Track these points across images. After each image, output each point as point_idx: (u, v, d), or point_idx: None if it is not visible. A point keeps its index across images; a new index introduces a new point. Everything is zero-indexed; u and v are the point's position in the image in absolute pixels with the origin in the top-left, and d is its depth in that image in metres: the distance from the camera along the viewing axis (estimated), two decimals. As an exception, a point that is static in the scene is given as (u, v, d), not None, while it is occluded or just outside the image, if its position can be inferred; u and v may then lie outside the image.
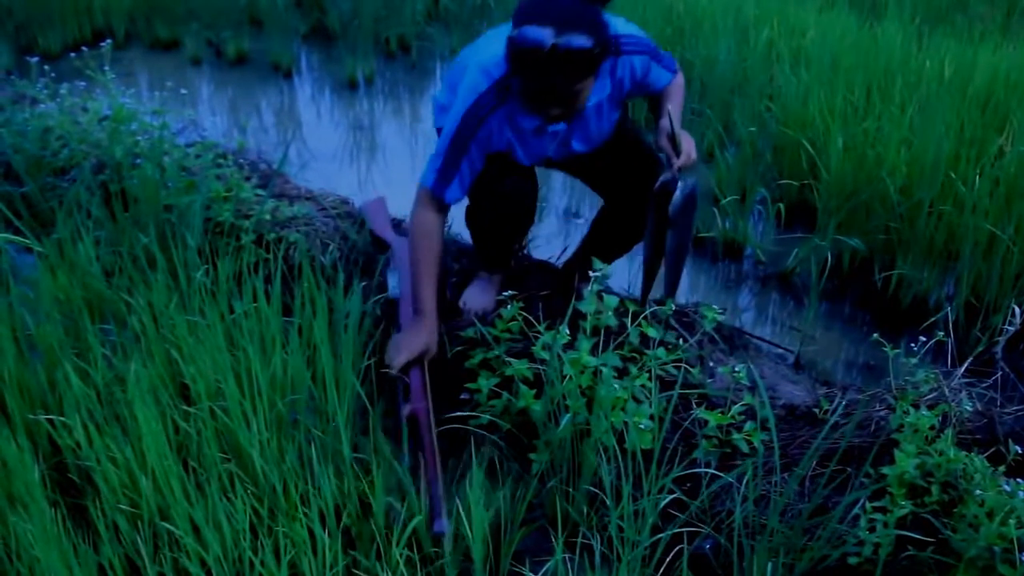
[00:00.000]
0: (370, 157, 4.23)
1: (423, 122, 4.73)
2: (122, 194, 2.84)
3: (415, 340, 2.14)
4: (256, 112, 4.79)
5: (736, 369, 2.01)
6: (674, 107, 2.21)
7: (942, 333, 2.19)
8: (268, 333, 2.12)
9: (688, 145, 2.12)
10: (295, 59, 5.39)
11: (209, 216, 2.77)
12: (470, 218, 2.36)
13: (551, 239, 3.20)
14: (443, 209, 2.20)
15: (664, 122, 2.14)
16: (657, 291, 2.29)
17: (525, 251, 2.72)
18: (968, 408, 2.01)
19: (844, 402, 2.14)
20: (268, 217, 2.86)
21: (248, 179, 3.15)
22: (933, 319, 2.74)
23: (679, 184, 2.05)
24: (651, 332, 2.08)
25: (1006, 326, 2.31)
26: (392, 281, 2.49)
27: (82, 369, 1.98)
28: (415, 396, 2.08)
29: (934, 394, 2.14)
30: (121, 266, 2.40)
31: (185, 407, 1.90)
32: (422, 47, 5.58)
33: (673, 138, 2.09)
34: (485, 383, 2.07)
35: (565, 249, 2.79)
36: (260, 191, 3.02)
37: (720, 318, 2.20)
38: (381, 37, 5.55)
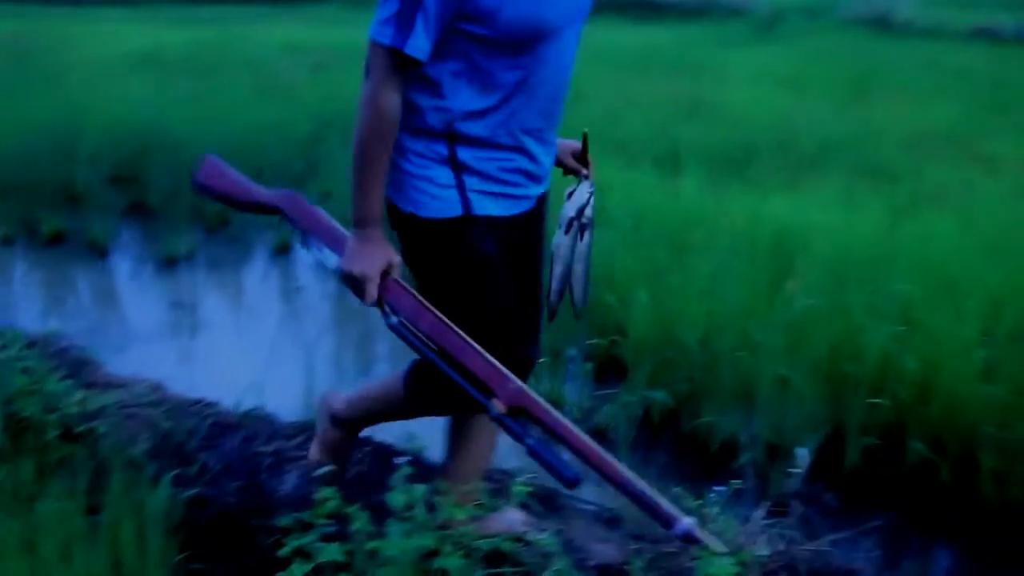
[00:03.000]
0: (190, 336, 4.18)
1: (245, 295, 4.74)
2: (-88, 397, 2.70)
3: (372, 257, 1.82)
4: (72, 294, 4.68)
5: (541, 536, 2.05)
6: None
7: (738, 481, 2.32)
8: (71, 534, 2.02)
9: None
10: (113, 237, 5.31)
11: (12, 411, 2.66)
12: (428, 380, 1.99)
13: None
14: (405, 74, 1.78)
15: (568, 143, 2.12)
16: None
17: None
18: (764, 552, 2.11)
19: (654, 556, 2.21)
20: (75, 410, 2.77)
21: (57, 368, 3.05)
22: (739, 463, 2.89)
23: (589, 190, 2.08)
24: (460, 515, 2.09)
25: (792, 469, 2.46)
26: (326, 256, 2.01)
27: None
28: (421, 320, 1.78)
29: (740, 539, 2.25)
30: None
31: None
32: (243, 220, 5.61)
33: (584, 154, 2.11)
34: (299, 569, 2.03)
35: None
36: (70, 380, 2.92)
37: (526, 491, 2.22)
38: (201, 211, 5.56)
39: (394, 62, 1.73)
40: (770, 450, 3.06)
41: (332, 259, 1.94)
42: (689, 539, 1.58)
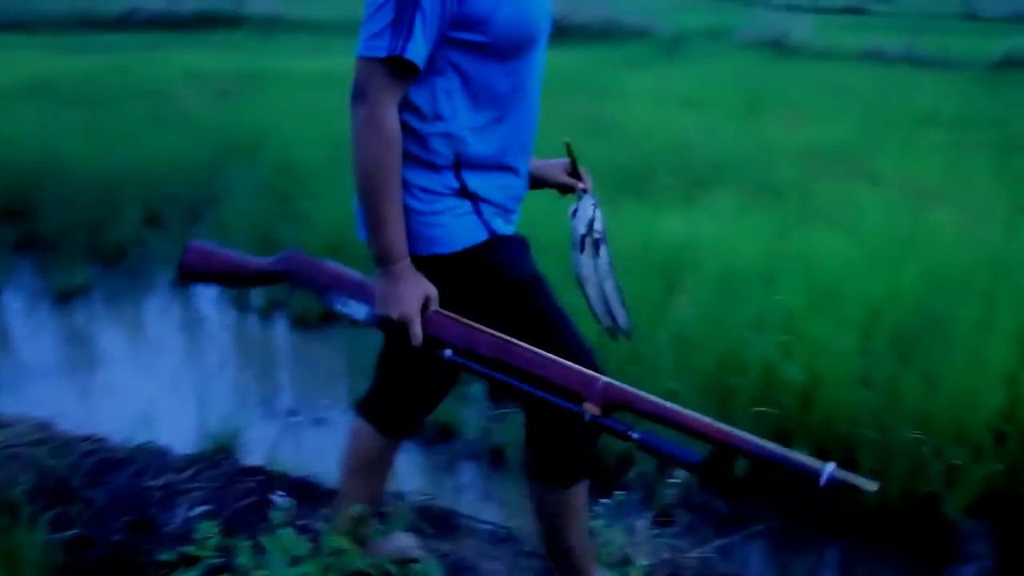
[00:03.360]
0: (84, 371, 4.08)
1: (143, 328, 4.67)
2: None
3: (408, 295, 1.67)
4: (-42, 335, 4.54)
5: (425, 559, 2.08)
6: None
7: (623, 493, 2.39)
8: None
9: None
10: (3, 272, 5.15)
11: None
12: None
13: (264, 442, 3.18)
14: (403, 86, 1.68)
15: (555, 161, 2.10)
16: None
17: (234, 457, 2.72)
18: (644, 563, 2.18)
19: (540, 572, 2.25)
20: (-45, 452, 2.71)
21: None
22: (627, 476, 2.96)
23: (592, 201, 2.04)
24: (349, 541, 2.10)
25: (673, 479, 2.55)
26: (354, 308, 1.79)
27: None
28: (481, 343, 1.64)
29: (626, 550, 2.31)
30: None
31: None
32: (141, 252, 5.52)
33: (575, 167, 2.09)
34: (184, 604, 2.02)
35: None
36: (-51, 423, 2.86)
37: (408, 514, 2.23)
38: (97, 244, 5.44)
39: (392, 74, 1.64)
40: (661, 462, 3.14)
41: (361, 310, 1.77)
42: (839, 484, 1.44)
